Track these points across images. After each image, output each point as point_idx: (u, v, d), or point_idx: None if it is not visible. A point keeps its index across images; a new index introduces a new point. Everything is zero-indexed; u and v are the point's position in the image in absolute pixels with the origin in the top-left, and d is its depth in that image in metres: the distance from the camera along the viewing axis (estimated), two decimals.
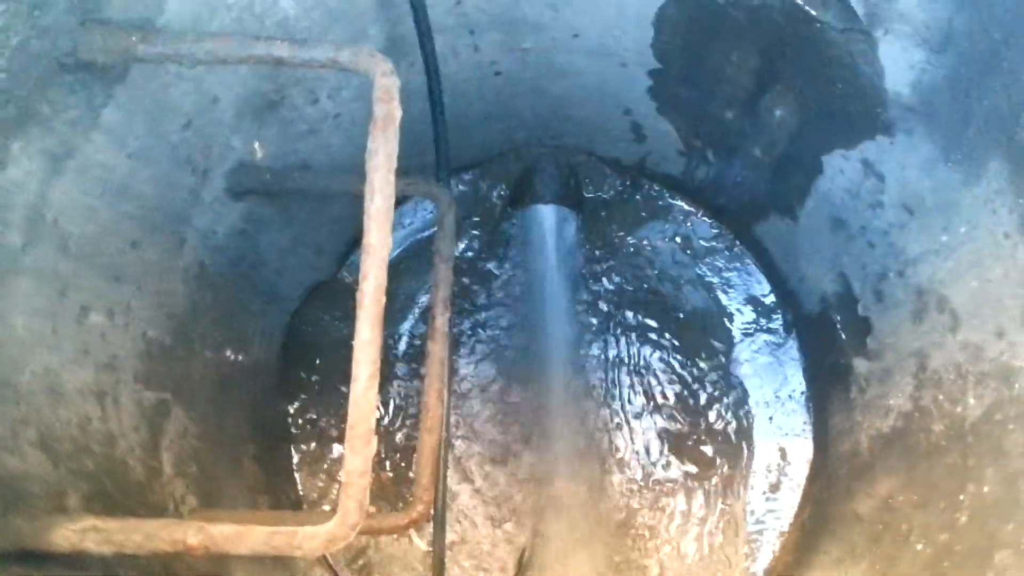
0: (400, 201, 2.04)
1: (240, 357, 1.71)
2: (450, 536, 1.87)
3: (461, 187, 2.05)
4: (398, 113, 1.00)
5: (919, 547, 1.32)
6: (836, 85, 1.34)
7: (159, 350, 1.42)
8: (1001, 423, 1.17)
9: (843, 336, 1.72)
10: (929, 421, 1.39)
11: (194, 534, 0.93)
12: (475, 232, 2.07)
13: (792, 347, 1.98)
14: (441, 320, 1.44)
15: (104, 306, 1.26)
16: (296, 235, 1.76)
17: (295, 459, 1.89)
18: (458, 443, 1.94)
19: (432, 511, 1.42)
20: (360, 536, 1.84)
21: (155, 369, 1.41)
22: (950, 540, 1.24)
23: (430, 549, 1.88)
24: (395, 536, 1.86)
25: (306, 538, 0.93)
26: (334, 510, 0.96)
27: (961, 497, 1.24)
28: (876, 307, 1.57)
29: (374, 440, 0.96)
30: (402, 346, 2.02)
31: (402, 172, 1.55)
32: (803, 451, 1.93)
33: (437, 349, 1.44)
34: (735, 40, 1.42)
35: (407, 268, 2.05)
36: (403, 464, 1.93)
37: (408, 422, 1.95)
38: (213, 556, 1.51)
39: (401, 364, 2.01)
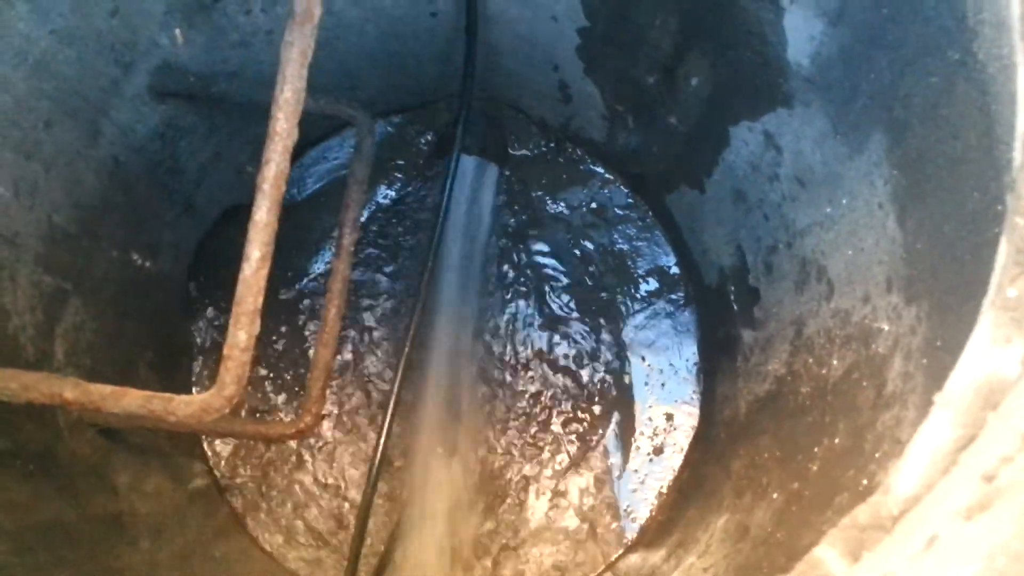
0: (326, 135, 2.06)
1: (147, 263, 1.71)
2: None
3: (389, 129, 2.09)
4: (318, 11, 1.03)
5: (774, 496, 1.40)
6: (746, 55, 1.41)
7: (63, 237, 1.43)
8: (856, 381, 1.26)
9: (735, 307, 1.80)
10: (799, 384, 1.48)
11: (71, 388, 0.96)
12: (398, 175, 2.10)
13: (690, 319, 2.07)
14: (348, 239, 1.47)
15: (10, 179, 1.27)
16: (218, 149, 1.77)
17: (193, 373, 1.90)
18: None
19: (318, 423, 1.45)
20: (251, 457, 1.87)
21: (57, 255, 1.42)
22: (800, 488, 1.32)
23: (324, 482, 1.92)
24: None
25: (181, 404, 0.97)
26: None
27: (815, 450, 1.32)
28: (765, 278, 1.65)
29: (258, 320, 0.99)
30: (315, 280, 2.05)
31: (326, 92, 1.58)
32: (689, 417, 2.02)
33: (341, 266, 1.47)
34: (657, 3, 1.49)
35: (326, 203, 2.07)
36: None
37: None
38: (96, 447, 1.52)
39: (310, 298, 2.04)
